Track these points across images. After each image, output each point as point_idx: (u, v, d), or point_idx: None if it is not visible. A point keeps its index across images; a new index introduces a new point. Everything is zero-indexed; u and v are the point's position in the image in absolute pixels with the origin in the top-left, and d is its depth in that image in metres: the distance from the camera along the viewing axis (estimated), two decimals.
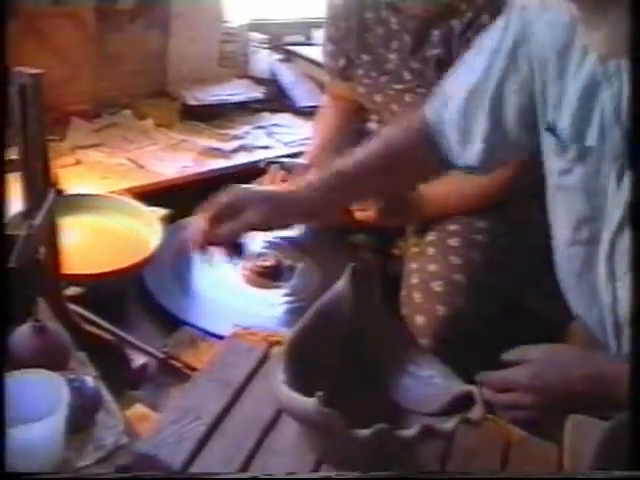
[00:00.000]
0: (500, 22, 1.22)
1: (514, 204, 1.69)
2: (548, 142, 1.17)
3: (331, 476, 0.85)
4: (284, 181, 1.68)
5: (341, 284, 0.96)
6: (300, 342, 0.91)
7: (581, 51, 1.07)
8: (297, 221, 1.53)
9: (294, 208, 1.32)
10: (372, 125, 1.91)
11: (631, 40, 0.87)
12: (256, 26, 2.70)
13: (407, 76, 1.68)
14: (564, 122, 1.11)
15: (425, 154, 1.34)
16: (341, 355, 0.95)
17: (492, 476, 0.93)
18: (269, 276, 1.54)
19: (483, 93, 1.23)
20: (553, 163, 1.18)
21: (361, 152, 1.34)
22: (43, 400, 0.82)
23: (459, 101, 1.27)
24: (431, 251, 1.63)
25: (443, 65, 1.59)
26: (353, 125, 1.94)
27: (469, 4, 1.55)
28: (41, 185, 1.01)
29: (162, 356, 1.23)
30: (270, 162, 1.76)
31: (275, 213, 1.29)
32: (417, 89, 1.66)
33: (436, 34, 1.61)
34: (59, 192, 1.02)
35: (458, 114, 1.28)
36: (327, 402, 0.79)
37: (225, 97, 2.43)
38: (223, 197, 1.30)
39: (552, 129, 1.14)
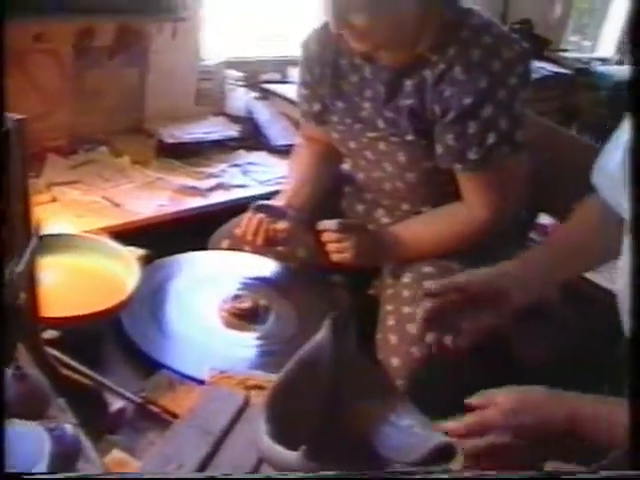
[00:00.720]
0: None
1: (490, 246, 1.70)
2: None
3: (328, 476, 0.84)
4: (263, 224, 1.70)
5: (321, 334, 0.97)
6: (282, 392, 0.91)
7: None
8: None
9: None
10: (346, 167, 1.92)
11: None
12: (233, 64, 2.72)
13: (381, 124, 1.69)
14: None
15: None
16: (322, 405, 0.96)
17: (492, 476, 0.93)
18: (246, 318, 1.54)
19: None
20: None
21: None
22: (25, 452, 0.81)
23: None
24: (406, 293, 1.63)
25: (416, 115, 1.61)
26: (328, 166, 1.93)
27: (440, 55, 1.55)
28: (22, 229, 1.01)
29: (140, 400, 1.22)
30: (257, 205, 1.75)
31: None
32: (390, 137, 1.67)
33: (409, 84, 1.61)
34: (41, 238, 1.02)
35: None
36: (310, 455, 0.79)
37: (201, 135, 2.44)
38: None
39: None
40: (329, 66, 1.74)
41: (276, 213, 1.71)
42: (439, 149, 1.60)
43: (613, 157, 1.25)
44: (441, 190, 1.69)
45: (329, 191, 1.92)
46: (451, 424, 1.05)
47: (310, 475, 0.85)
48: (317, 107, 1.82)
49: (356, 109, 1.73)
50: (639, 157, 0.93)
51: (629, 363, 0.86)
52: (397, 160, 1.68)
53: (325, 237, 1.65)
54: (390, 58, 1.61)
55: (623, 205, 1.21)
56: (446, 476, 0.87)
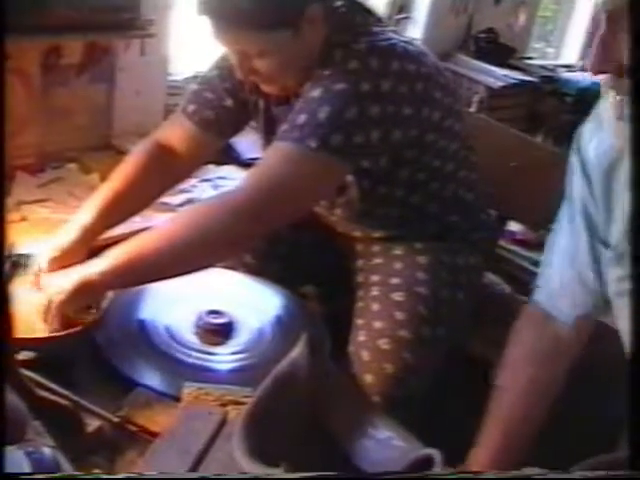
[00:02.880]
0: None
1: (447, 251, 1.72)
2: (604, 253, 1.20)
3: (326, 476, 0.84)
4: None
5: (297, 351, 0.97)
6: (259, 410, 0.92)
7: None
8: None
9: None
10: None
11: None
12: None
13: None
14: (614, 238, 1.15)
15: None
16: (300, 420, 0.96)
17: (492, 476, 0.94)
18: (221, 334, 1.55)
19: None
20: (611, 272, 1.19)
21: None
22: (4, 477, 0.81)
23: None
24: (376, 307, 1.62)
25: None
26: (161, 178, 1.76)
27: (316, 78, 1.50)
28: None
29: (117, 420, 1.22)
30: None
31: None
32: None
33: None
34: (15, 265, 1.02)
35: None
36: (290, 471, 0.79)
37: None
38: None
39: (605, 244, 1.18)
40: (237, 99, 1.71)
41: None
42: None
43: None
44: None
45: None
46: None
47: (304, 475, 0.85)
48: (210, 114, 1.72)
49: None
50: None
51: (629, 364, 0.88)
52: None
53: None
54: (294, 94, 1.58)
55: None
56: (446, 476, 0.87)
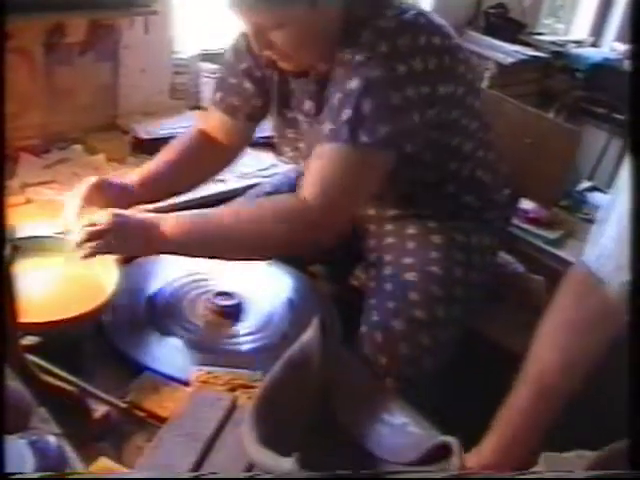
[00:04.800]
0: None
1: (461, 230, 1.69)
2: None
3: (325, 476, 0.82)
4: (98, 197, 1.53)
5: (309, 335, 0.95)
6: (270, 395, 0.89)
7: None
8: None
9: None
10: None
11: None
12: (207, 56, 2.68)
13: (316, 139, 1.54)
14: None
15: None
16: (312, 406, 0.94)
17: (493, 476, 0.92)
18: (230, 315, 1.52)
19: None
20: None
21: None
22: (8, 467, 0.78)
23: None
24: (389, 287, 1.60)
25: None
26: (203, 165, 1.78)
27: (346, 57, 1.46)
28: None
29: (124, 405, 1.20)
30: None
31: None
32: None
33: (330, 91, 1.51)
34: (15, 246, 0.99)
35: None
36: (303, 460, 0.77)
37: (177, 130, 2.39)
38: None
39: None
40: (276, 69, 1.64)
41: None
42: None
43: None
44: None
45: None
46: None
47: (305, 475, 0.83)
48: (234, 100, 1.73)
49: (297, 121, 1.66)
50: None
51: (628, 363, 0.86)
52: None
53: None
54: (316, 70, 1.55)
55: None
56: (447, 476, 0.85)
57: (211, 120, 1.80)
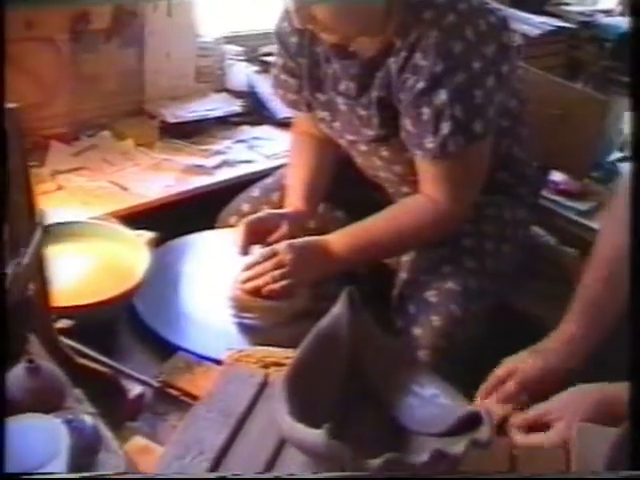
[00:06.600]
0: None
1: (493, 204, 1.69)
2: None
3: (332, 477, 0.83)
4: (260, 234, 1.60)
5: (338, 308, 0.95)
6: (300, 369, 0.89)
7: None
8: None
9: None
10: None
11: None
12: (231, 39, 2.68)
13: (355, 122, 1.61)
14: None
15: None
16: (342, 379, 0.94)
17: (497, 477, 0.92)
18: (260, 294, 1.53)
19: None
20: None
21: None
22: (43, 446, 0.80)
23: None
24: (420, 260, 1.62)
25: (385, 108, 1.54)
26: (329, 160, 1.79)
27: (403, 41, 1.46)
28: (27, 220, 0.99)
29: (158, 384, 1.21)
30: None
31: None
32: (368, 139, 1.62)
33: (377, 77, 1.53)
34: (46, 229, 1.00)
35: None
36: (333, 432, 0.77)
37: (204, 112, 2.41)
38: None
39: None
40: (305, 54, 1.64)
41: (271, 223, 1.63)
42: (402, 134, 1.53)
43: None
44: None
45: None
46: None
47: (318, 476, 0.84)
48: (306, 93, 1.70)
49: (333, 103, 1.65)
50: None
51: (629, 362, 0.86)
52: (381, 155, 1.64)
53: (254, 274, 1.52)
54: (361, 48, 1.52)
55: None
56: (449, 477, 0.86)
57: (298, 118, 1.85)
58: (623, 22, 4.18)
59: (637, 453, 0.80)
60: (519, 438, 1.11)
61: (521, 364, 1.27)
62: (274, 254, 1.51)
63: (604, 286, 1.28)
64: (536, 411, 1.15)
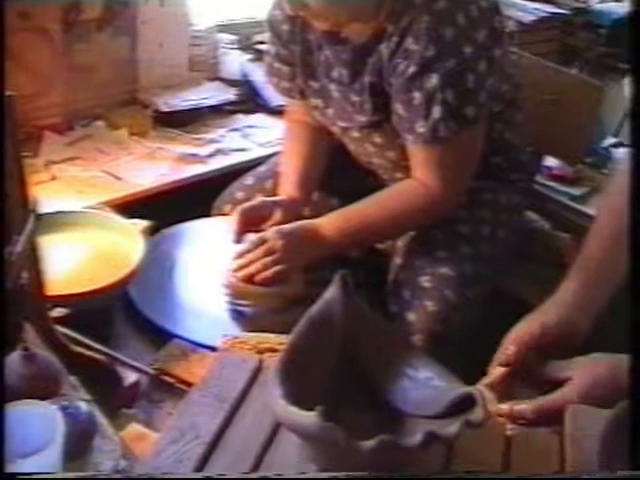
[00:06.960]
0: None
1: (488, 190, 1.69)
2: None
3: (337, 476, 0.84)
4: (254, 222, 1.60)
5: (331, 292, 0.95)
6: (294, 353, 0.90)
7: None
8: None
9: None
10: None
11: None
12: (225, 27, 2.68)
13: (348, 108, 1.61)
14: None
15: None
16: (336, 363, 0.94)
17: (495, 476, 0.93)
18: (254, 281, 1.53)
19: None
20: None
21: None
22: (38, 432, 0.80)
23: None
24: (415, 245, 1.63)
25: (377, 94, 1.54)
26: (322, 148, 1.78)
27: (395, 26, 1.46)
28: (20, 209, 1.00)
29: (153, 372, 1.22)
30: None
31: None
32: (360, 126, 1.62)
33: (369, 62, 1.53)
34: (39, 217, 1.00)
35: None
36: (327, 414, 0.78)
37: (197, 101, 2.41)
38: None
39: None
40: (297, 42, 1.64)
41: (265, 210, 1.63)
42: (394, 119, 1.53)
43: None
44: None
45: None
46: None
47: (307, 475, 0.85)
48: (299, 80, 1.70)
49: (326, 90, 1.65)
50: None
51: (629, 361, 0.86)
52: (374, 141, 1.64)
53: (246, 261, 1.51)
54: (352, 34, 1.52)
55: None
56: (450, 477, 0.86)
57: (291, 106, 1.85)
58: (617, 8, 4.18)
59: (637, 453, 0.80)
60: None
61: (521, 329, 1.25)
62: (264, 241, 1.51)
63: (602, 245, 1.28)
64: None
